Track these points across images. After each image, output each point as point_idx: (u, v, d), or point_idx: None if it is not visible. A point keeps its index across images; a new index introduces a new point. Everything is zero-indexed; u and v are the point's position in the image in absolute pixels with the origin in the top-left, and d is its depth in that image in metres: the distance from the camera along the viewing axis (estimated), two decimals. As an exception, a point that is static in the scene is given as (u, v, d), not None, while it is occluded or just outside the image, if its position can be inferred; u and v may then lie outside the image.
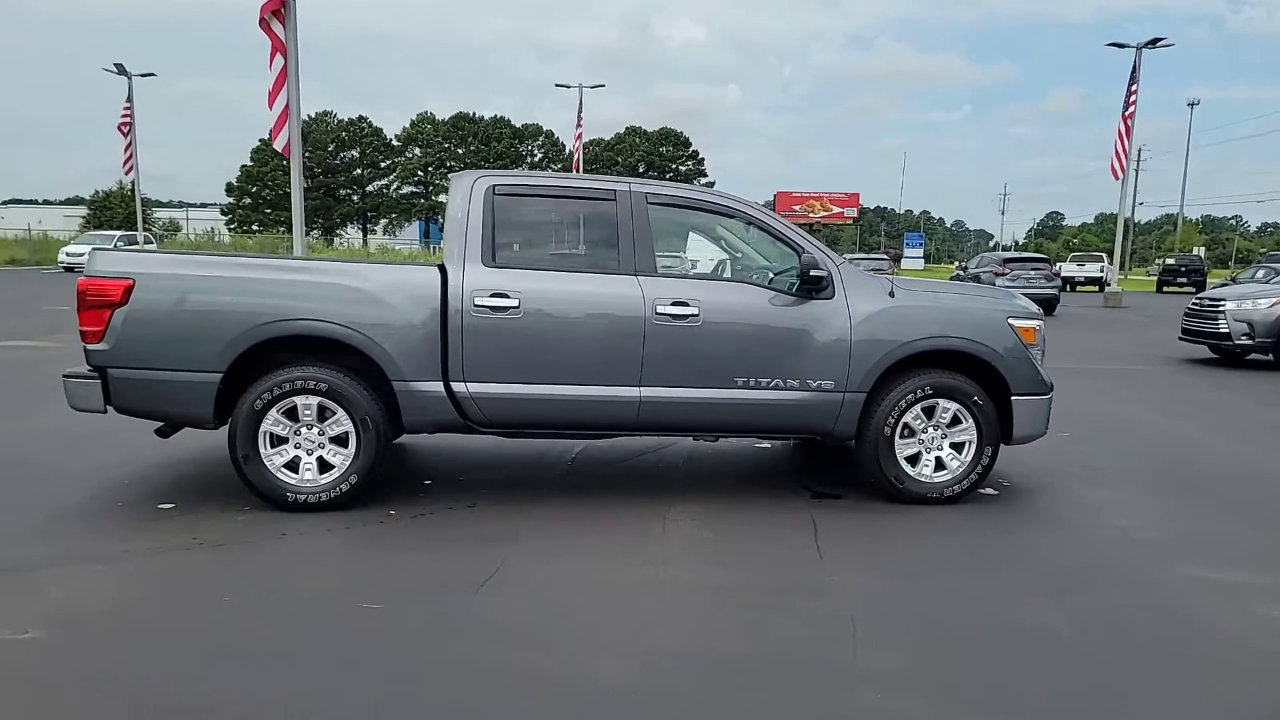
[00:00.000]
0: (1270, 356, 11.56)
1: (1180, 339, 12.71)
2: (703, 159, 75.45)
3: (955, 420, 4.96)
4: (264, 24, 11.37)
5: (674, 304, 4.70)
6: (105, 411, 4.45)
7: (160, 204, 72.99)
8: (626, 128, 74.50)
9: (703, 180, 73.62)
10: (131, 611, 3.37)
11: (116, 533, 4.18)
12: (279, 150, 11.95)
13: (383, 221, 71.28)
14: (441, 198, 62.66)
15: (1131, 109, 24.00)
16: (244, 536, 4.18)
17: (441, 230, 6.17)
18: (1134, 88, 23.89)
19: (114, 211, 54.09)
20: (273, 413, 4.45)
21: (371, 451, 4.53)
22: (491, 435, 4.85)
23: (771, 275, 5.17)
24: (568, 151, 41.82)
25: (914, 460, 4.99)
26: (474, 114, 72.03)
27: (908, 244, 77.09)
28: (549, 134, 73.17)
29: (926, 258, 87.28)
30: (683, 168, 73.74)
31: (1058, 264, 38.29)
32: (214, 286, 4.42)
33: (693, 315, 4.70)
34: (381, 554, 4.09)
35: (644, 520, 4.59)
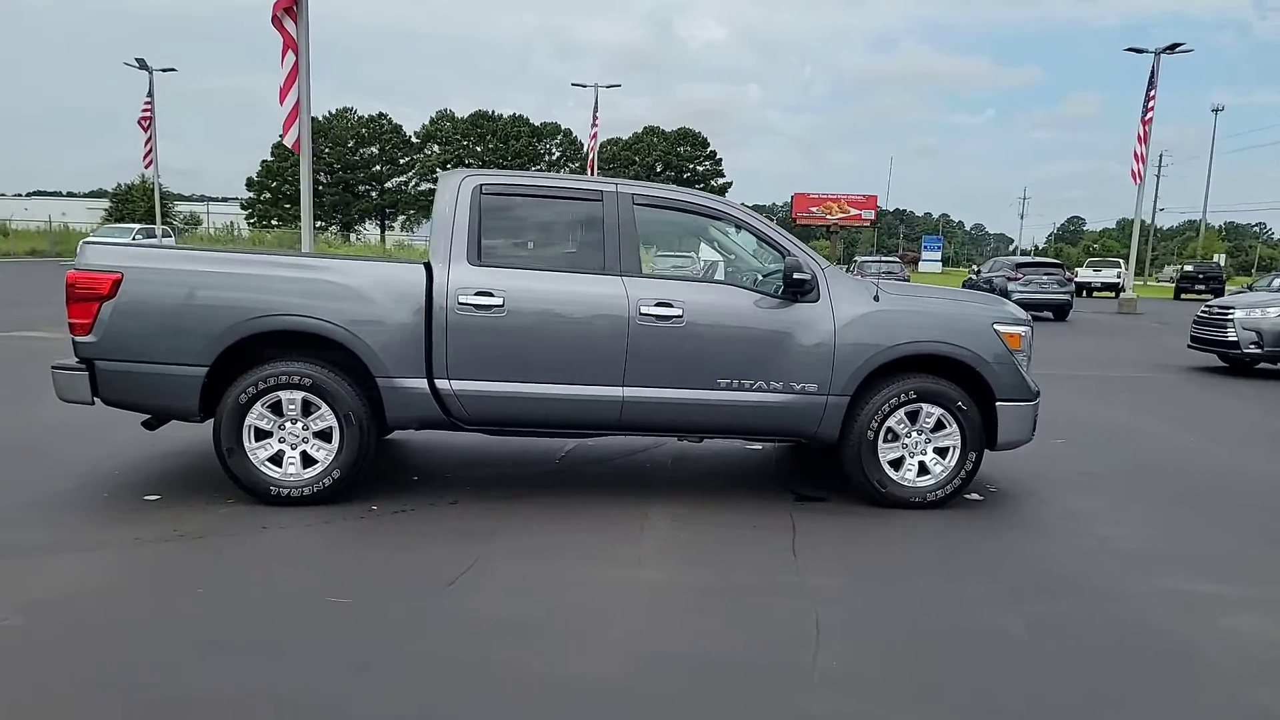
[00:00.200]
0: (1279, 365, 11.42)
1: (1189, 347, 12.59)
2: (720, 159, 75.39)
3: (939, 425, 4.95)
4: (276, 21, 11.47)
5: (658, 304, 4.72)
6: (92, 403, 4.52)
7: (182, 198, 73.85)
8: (645, 127, 74.54)
9: (720, 181, 73.51)
10: (102, 600, 3.42)
11: (99, 523, 4.25)
12: (289, 147, 12.08)
13: (401, 218, 71.68)
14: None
15: (1150, 114, 23.75)
16: (225, 529, 4.23)
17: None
18: (1152, 93, 23.64)
19: (136, 205, 54.80)
20: (257, 407, 4.51)
21: (355, 447, 4.58)
22: (477, 433, 4.89)
23: (759, 277, 5.18)
24: (585, 151, 41.89)
25: (897, 464, 4.98)
26: (493, 112, 72.32)
27: (926, 247, 76.74)
28: (567, 132, 73.31)
29: (945, 261, 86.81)
30: (700, 168, 73.68)
31: (1074, 269, 37.98)
32: (201, 281, 4.48)
33: (676, 316, 4.72)
34: (358, 549, 4.13)
35: (624, 520, 4.61)
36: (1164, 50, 24.07)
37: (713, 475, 5.74)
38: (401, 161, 70.96)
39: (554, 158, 73.08)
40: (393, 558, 4.00)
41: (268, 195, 66.31)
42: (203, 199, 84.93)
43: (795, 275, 4.72)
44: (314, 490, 4.56)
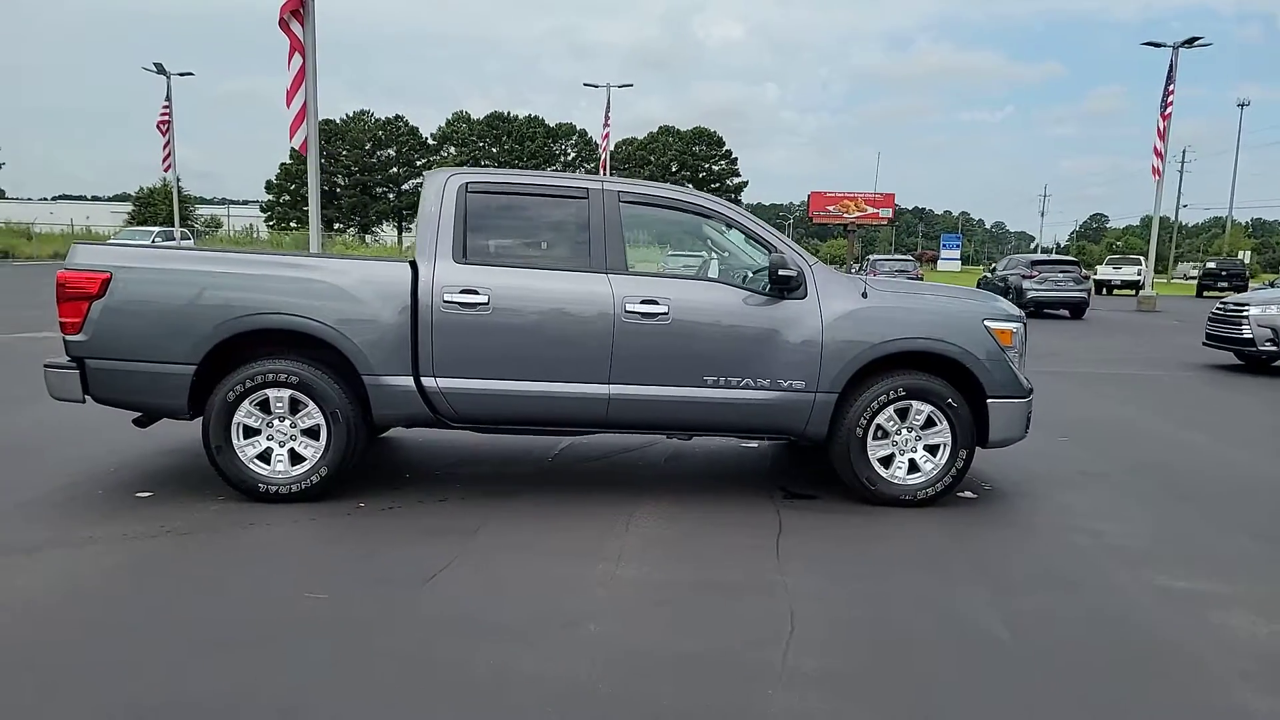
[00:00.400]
0: (1295, 363, 11.24)
1: (1204, 344, 12.40)
2: (735, 159, 75.30)
3: (929, 422, 4.91)
4: (283, 24, 11.58)
5: (643, 302, 4.71)
6: (84, 401, 4.58)
7: (204, 201, 74.61)
8: (660, 127, 74.64)
9: (735, 180, 73.36)
10: (79, 596, 3.45)
11: (89, 519, 4.30)
12: (297, 149, 12.20)
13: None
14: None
15: (1169, 109, 23.45)
16: (212, 526, 4.27)
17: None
18: (1171, 88, 23.33)
19: (158, 208, 55.42)
20: (245, 405, 4.54)
21: (342, 444, 4.60)
22: (469, 431, 4.90)
23: (749, 275, 5.16)
24: (599, 151, 42.01)
25: (887, 462, 4.95)
26: (509, 113, 72.68)
27: (944, 245, 76.13)
28: (582, 133, 73.49)
29: (965, 259, 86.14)
30: (715, 167, 73.57)
31: (1095, 267, 37.57)
32: (188, 280, 4.52)
33: (662, 314, 4.71)
34: (341, 546, 4.16)
35: (610, 517, 4.61)
36: (1182, 44, 23.73)
37: (705, 473, 5.72)
38: (418, 164, 71.40)
39: (569, 158, 73.29)
40: (374, 554, 4.01)
41: (286, 198, 66.98)
42: (223, 202, 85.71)
43: (780, 272, 4.69)
44: (302, 487, 4.59)
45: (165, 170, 34.29)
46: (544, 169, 62.33)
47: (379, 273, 4.70)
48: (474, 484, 5.18)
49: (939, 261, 73.38)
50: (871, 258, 33.11)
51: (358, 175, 69.00)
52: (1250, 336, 11.34)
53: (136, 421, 4.87)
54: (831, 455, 4.97)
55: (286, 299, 4.53)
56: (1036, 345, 14.65)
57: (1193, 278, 46.02)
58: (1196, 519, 4.92)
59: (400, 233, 71.24)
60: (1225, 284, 34.96)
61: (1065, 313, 21.97)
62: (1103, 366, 11.98)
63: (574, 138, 74.00)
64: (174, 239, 33.09)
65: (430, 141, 72.01)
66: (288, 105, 11.83)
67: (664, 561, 4.03)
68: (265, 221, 66.21)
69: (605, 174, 35.89)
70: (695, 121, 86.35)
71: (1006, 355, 4.93)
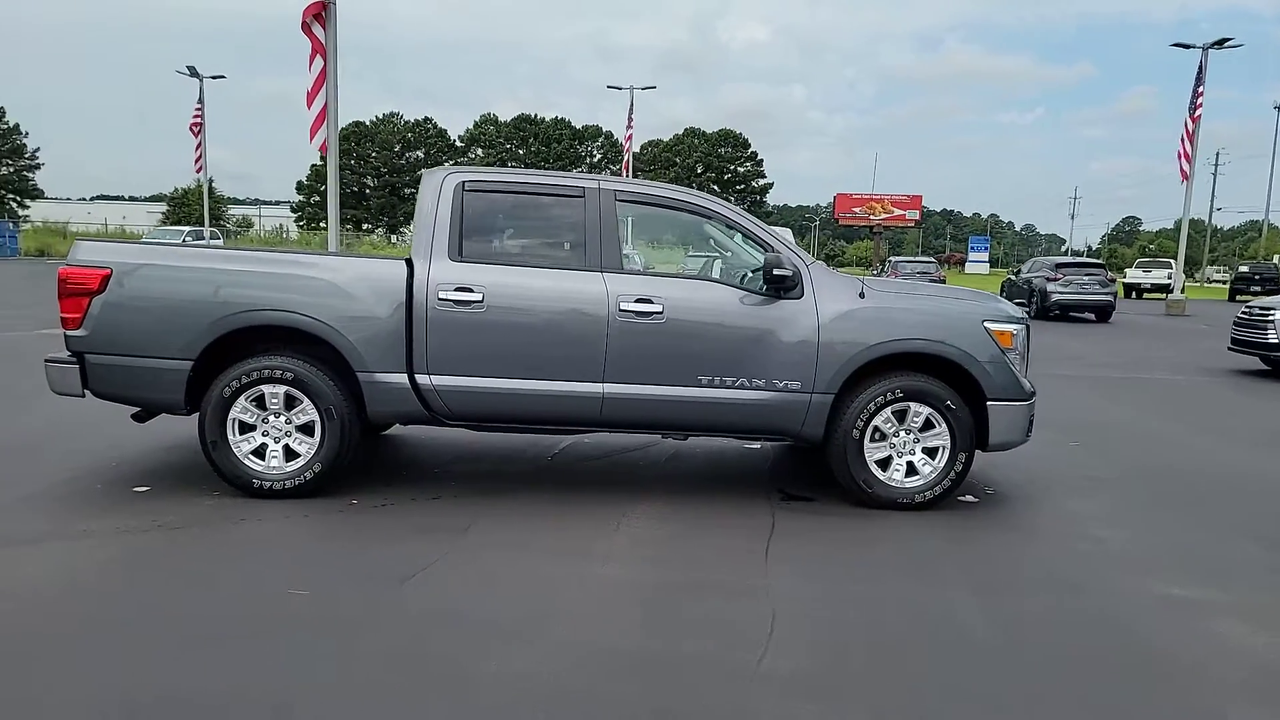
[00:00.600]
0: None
1: (1230, 349, 12.13)
2: (761, 160, 75.07)
3: (928, 425, 4.84)
4: (305, 27, 11.73)
5: (638, 301, 4.69)
6: (83, 395, 4.64)
7: (237, 201, 75.76)
8: (685, 129, 74.57)
9: (760, 182, 73.10)
10: (74, 589, 3.50)
11: (86, 513, 4.36)
12: (318, 150, 12.35)
13: (445, 220, 72.66)
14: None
15: (1198, 111, 22.97)
16: (205, 520, 4.31)
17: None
18: (1200, 89, 22.85)
19: (192, 208, 56.36)
20: (241, 401, 4.58)
21: (336, 441, 4.63)
22: (463, 429, 4.91)
23: (748, 274, 5.12)
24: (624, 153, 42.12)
25: (885, 464, 4.88)
26: (536, 115, 73.00)
27: (972, 248, 75.26)
28: (608, 135, 73.64)
29: (993, 262, 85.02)
30: (741, 169, 73.37)
31: (1124, 270, 36.93)
32: (186, 276, 4.57)
33: (656, 313, 4.68)
34: (330, 542, 4.18)
35: (602, 516, 4.59)
36: (1212, 45, 23.26)
37: (703, 473, 5.69)
38: (447, 165, 71.95)
39: (595, 160, 73.46)
40: (362, 551, 4.03)
41: (316, 198, 67.75)
42: (256, 202, 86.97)
43: (775, 271, 4.65)
44: (296, 483, 4.63)
45: (197, 172, 34.79)
46: (569, 170, 62.54)
47: (374, 270, 4.72)
48: (469, 482, 5.19)
49: (967, 264, 72.52)
50: (893, 259, 32.80)
51: (387, 176, 69.73)
52: (1276, 341, 11.07)
53: (135, 416, 4.93)
54: (828, 457, 4.91)
55: (282, 295, 4.56)
56: (1059, 349, 14.47)
57: (1217, 282, 45.08)
58: (1203, 525, 4.80)
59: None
60: (1259, 288, 34.20)
61: (1091, 316, 21.62)
62: (1123, 371, 11.77)
63: (600, 140, 74.18)
64: (204, 238, 33.59)
65: (458, 143, 72.58)
66: (308, 107, 11.99)
67: (650, 562, 4.00)
68: (295, 221, 67.09)
69: (628, 176, 35.92)
70: (721, 123, 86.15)
71: (1007, 357, 4.85)
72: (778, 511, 4.81)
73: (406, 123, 71.80)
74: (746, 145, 74.49)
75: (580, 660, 3.00)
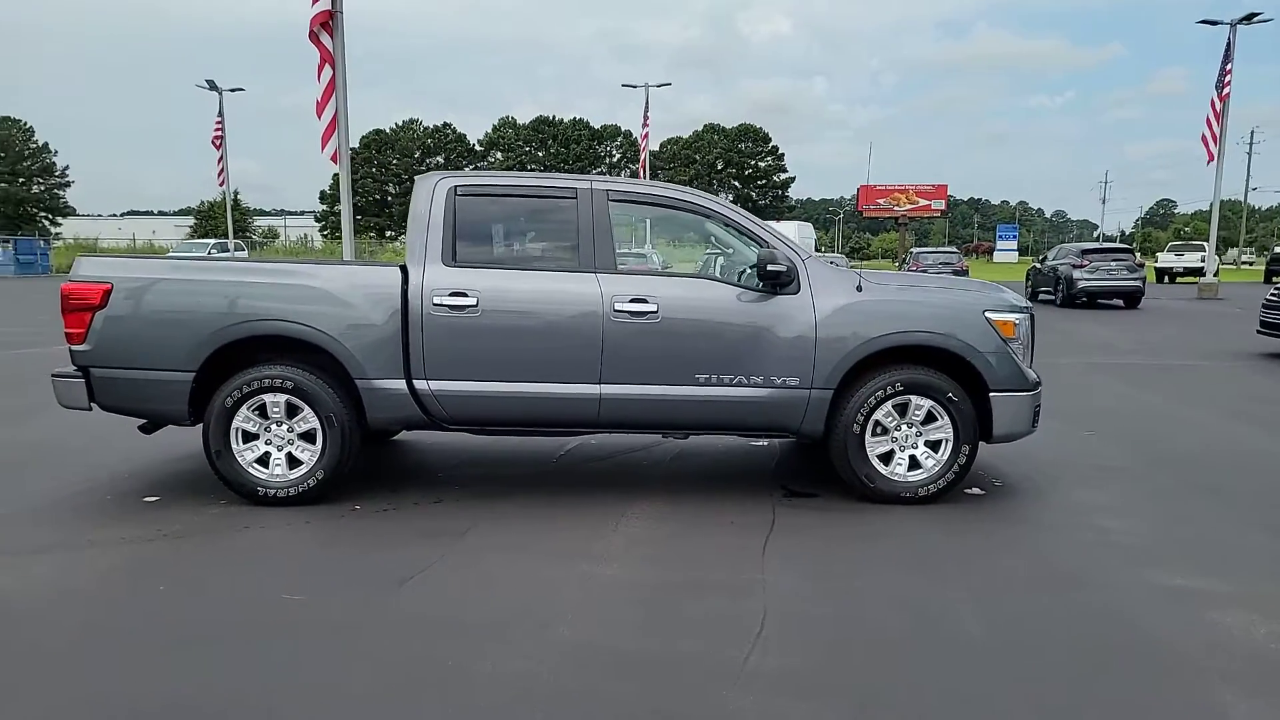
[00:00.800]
0: (1356, 350, 10.67)
1: (1258, 332, 11.86)
2: (782, 154, 74.77)
3: (930, 418, 4.79)
4: (313, 36, 11.84)
5: (632, 301, 4.68)
6: (90, 409, 4.73)
7: (262, 213, 76.96)
8: (705, 125, 74.38)
9: (782, 176, 72.74)
10: (79, 598, 3.56)
11: (95, 522, 4.44)
12: (329, 159, 12.50)
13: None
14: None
15: (1227, 89, 22.51)
16: (209, 529, 4.37)
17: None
18: (1228, 66, 22.40)
19: (218, 221, 57.27)
20: (243, 410, 4.64)
21: (337, 448, 4.67)
22: (466, 433, 4.94)
23: (745, 270, 5.09)
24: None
25: (887, 459, 4.84)
26: (554, 117, 73.18)
27: (1000, 236, 74.39)
28: (627, 134, 73.65)
29: (1023, 250, 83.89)
30: (761, 164, 73.04)
31: (1156, 255, 36.25)
32: (185, 289, 4.64)
33: (651, 312, 4.67)
34: (333, 548, 4.21)
35: (602, 517, 4.59)
36: (1240, 21, 22.78)
37: (706, 472, 5.67)
38: (466, 170, 72.41)
39: (614, 159, 73.52)
40: (362, 556, 4.06)
41: (340, 208, 68.51)
42: (281, 213, 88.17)
43: (769, 267, 4.62)
44: (299, 490, 4.67)
45: (220, 185, 35.34)
46: (588, 171, 62.63)
47: (369, 277, 4.76)
48: (471, 485, 5.21)
49: (995, 253, 71.63)
50: (914, 250, 32.46)
51: (408, 183, 70.22)
52: (1306, 323, 10.82)
53: (142, 428, 5.01)
54: (830, 452, 4.88)
55: (280, 305, 4.61)
56: (1085, 336, 14.25)
57: (1245, 263, 44.09)
58: (1213, 514, 4.70)
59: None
60: (1296, 269, 33.46)
61: (1119, 302, 21.26)
62: (1148, 357, 11.56)
63: (619, 139, 74.22)
64: (228, 250, 34.10)
65: (478, 147, 73.02)
66: (318, 116, 12.10)
67: (648, 561, 3.99)
68: (320, 231, 67.85)
69: (645, 175, 35.88)
70: (742, 118, 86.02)
71: (1010, 347, 4.78)
72: (779, 508, 4.78)
73: (426, 129, 72.42)
74: (767, 140, 74.19)
75: (578, 661, 3.01)
